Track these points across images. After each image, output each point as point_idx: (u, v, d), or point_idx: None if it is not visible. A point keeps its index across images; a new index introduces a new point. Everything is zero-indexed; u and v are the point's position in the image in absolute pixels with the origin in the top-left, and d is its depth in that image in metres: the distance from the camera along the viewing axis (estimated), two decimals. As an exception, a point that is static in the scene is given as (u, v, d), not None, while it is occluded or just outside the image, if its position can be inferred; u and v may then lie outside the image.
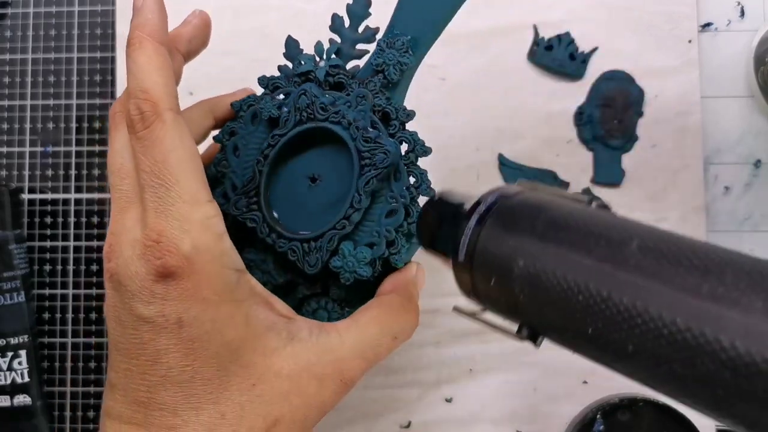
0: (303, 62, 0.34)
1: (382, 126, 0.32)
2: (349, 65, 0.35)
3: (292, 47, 0.35)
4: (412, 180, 0.32)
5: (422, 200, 0.32)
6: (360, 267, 0.31)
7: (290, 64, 0.35)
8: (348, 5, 0.35)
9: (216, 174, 0.33)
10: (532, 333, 0.21)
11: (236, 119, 0.34)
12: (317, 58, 0.34)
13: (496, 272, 0.21)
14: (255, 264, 0.32)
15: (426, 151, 0.33)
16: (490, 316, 0.24)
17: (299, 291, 0.33)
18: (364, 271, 0.31)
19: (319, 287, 0.33)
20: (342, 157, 0.32)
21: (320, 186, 0.32)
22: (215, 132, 0.35)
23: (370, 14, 0.35)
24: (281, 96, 0.33)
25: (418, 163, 0.33)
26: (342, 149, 0.32)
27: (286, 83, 0.34)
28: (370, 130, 0.31)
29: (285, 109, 0.32)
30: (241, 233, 0.32)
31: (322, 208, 0.32)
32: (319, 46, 0.34)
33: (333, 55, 0.34)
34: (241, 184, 0.33)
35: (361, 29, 0.35)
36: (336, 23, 0.36)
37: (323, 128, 0.32)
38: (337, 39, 0.35)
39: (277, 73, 0.35)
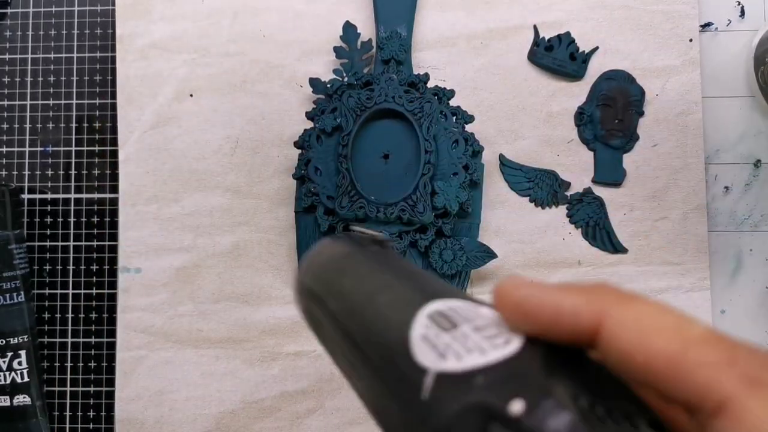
0: (331, 84, 0.43)
1: (415, 90, 0.42)
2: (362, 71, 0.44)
3: (350, 32, 0.44)
4: (454, 119, 0.42)
5: (468, 128, 0.42)
6: (457, 193, 0.40)
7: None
8: (341, 36, 0.44)
9: (311, 203, 0.41)
10: None
11: (303, 151, 0.42)
12: (343, 76, 0.43)
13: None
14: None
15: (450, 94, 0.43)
16: None
17: (419, 246, 0.41)
18: (462, 195, 0.40)
19: (433, 233, 0.41)
20: (400, 130, 0.41)
21: (392, 159, 0.41)
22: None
23: (359, 33, 0.44)
24: (331, 111, 0.42)
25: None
26: (397, 123, 0.42)
27: (328, 103, 0.42)
28: (407, 94, 0.41)
29: (340, 117, 0.41)
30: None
31: (400, 176, 0.41)
32: (338, 72, 0.44)
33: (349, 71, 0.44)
34: (334, 190, 0.41)
35: (359, 45, 0.44)
36: (347, 33, 0.44)
37: (379, 109, 0.41)
38: (346, 47, 0.44)
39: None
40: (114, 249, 0.45)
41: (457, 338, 0.17)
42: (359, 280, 0.23)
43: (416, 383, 0.17)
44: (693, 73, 0.44)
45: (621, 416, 0.14)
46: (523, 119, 0.45)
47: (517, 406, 0.14)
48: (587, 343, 0.16)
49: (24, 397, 0.43)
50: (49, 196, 0.46)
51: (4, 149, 0.46)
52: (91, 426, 0.45)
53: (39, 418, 0.43)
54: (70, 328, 0.45)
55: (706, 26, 0.45)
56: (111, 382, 0.45)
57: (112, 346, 0.45)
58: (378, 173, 0.41)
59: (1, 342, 0.43)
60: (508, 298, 0.17)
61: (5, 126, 0.46)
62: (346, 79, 0.43)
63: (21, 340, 0.43)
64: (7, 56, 0.46)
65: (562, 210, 0.44)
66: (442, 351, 0.17)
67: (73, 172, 0.46)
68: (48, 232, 0.45)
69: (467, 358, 0.16)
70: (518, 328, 0.17)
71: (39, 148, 0.46)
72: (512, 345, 0.16)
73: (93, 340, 0.45)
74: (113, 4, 0.46)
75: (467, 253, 0.41)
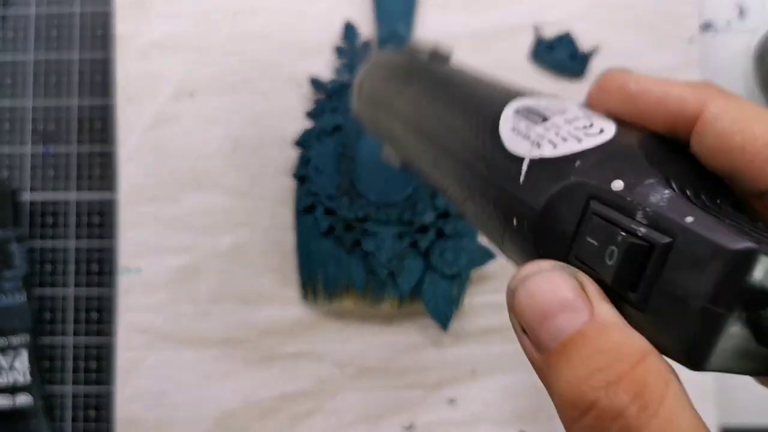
0: (331, 84, 0.43)
1: None
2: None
3: (350, 32, 0.44)
4: None
5: None
6: None
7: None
8: (341, 36, 0.44)
9: (311, 203, 0.41)
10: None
11: (303, 151, 0.42)
12: (343, 76, 0.43)
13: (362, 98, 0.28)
14: (377, 236, 0.41)
15: None
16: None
17: (420, 246, 0.41)
18: None
19: (434, 233, 0.41)
20: None
21: None
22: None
23: (359, 33, 0.44)
24: (331, 111, 0.42)
25: None
26: None
27: (328, 103, 0.42)
28: None
29: (340, 117, 0.41)
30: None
31: (400, 176, 0.40)
32: (338, 71, 0.44)
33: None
34: (334, 190, 0.41)
35: (359, 45, 0.44)
36: (347, 33, 0.44)
37: None
38: (346, 47, 0.44)
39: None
40: (114, 249, 0.45)
41: (549, 129, 0.17)
42: (434, 86, 0.23)
43: (511, 170, 0.17)
44: (693, 72, 0.44)
45: (709, 197, 0.15)
46: (524, 119, 0.45)
47: (618, 184, 0.15)
48: (684, 130, 0.17)
49: (25, 397, 0.43)
50: (49, 196, 0.46)
51: (4, 149, 0.46)
52: (92, 426, 0.45)
53: (39, 418, 0.43)
54: (70, 327, 0.45)
55: (706, 26, 0.45)
56: (111, 382, 0.45)
57: (112, 346, 0.45)
58: (378, 173, 0.41)
59: (2, 342, 0.43)
60: (612, 81, 0.18)
61: (5, 126, 0.46)
62: (346, 78, 0.43)
63: (21, 340, 0.43)
64: (7, 56, 0.46)
65: (562, 210, 0.44)
66: (536, 140, 0.17)
67: (73, 172, 0.46)
68: (48, 232, 0.45)
69: (563, 146, 0.16)
70: (616, 111, 0.18)
71: (39, 148, 0.46)
72: (607, 132, 0.16)
73: (93, 339, 0.45)
74: (113, 5, 0.46)
75: (468, 253, 0.41)
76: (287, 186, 0.44)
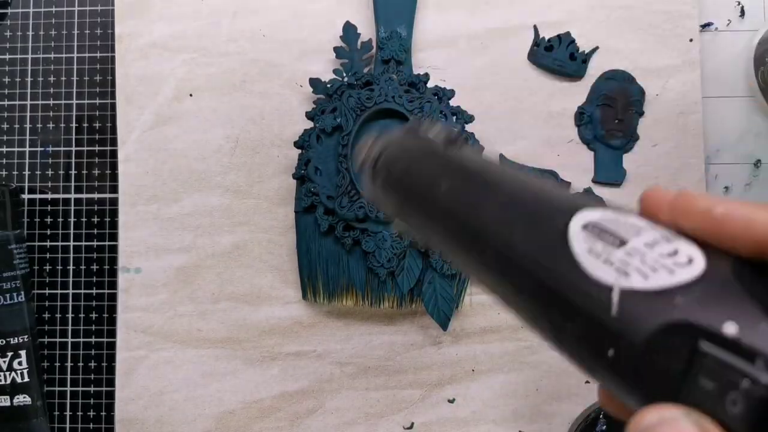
0: (331, 84, 0.43)
1: (415, 90, 0.42)
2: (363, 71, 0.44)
3: (350, 32, 0.44)
4: (454, 119, 0.42)
5: (468, 127, 0.43)
6: None
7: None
8: (341, 36, 0.44)
9: (311, 203, 0.42)
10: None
11: (303, 151, 0.42)
12: (343, 76, 0.43)
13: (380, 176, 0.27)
14: (377, 236, 0.41)
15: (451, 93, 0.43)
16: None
17: (419, 246, 0.41)
18: None
19: None
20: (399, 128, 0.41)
21: None
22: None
23: (359, 33, 0.44)
24: (331, 111, 0.42)
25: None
26: (397, 123, 0.42)
27: (328, 103, 0.42)
28: (407, 94, 0.41)
29: (340, 117, 0.41)
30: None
31: None
32: (338, 72, 0.43)
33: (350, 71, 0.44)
34: (334, 190, 0.41)
35: (359, 45, 0.44)
36: (347, 33, 0.44)
37: (379, 109, 0.41)
38: (346, 47, 0.44)
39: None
40: (114, 249, 0.45)
41: (632, 255, 0.17)
42: (472, 184, 0.22)
43: (599, 298, 0.16)
44: (693, 73, 0.44)
45: None
46: (523, 119, 0.45)
47: (731, 328, 0.14)
48: None
49: (24, 397, 0.43)
50: (49, 196, 0.46)
51: (4, 149, 0.46)
52: (91, 426, 0.45)
53: (39, 418, 0.43)
54: (70, 328, 0.45)
55: (706, 26, 0.45)
56: (111, 382, 0.45)
57: (112, 346, 0.45)
58: None
59: (1, 342, 0.43)
60: (693, 203, 0.17)
61: (5, 126, 0.46)
62: (346, 79, 0.43)
63: (21, 340, 0.43)
64: (7, 56, 0.46)
65: (562, 210, 0.44)
66: (622, 268, 0.16)
67: (73, 172, 0.46)
68: (48, 232, 0.45)
69: (654, 278, 0.16)
70: (696, 233, 0.17)
71: (39, 148, 0.46)
72: (697, 263, 0.16)
73: (93, 340, 0.45)
74: (113, 4, 0.46)
75: None
76: (287, 186, 0.44)
